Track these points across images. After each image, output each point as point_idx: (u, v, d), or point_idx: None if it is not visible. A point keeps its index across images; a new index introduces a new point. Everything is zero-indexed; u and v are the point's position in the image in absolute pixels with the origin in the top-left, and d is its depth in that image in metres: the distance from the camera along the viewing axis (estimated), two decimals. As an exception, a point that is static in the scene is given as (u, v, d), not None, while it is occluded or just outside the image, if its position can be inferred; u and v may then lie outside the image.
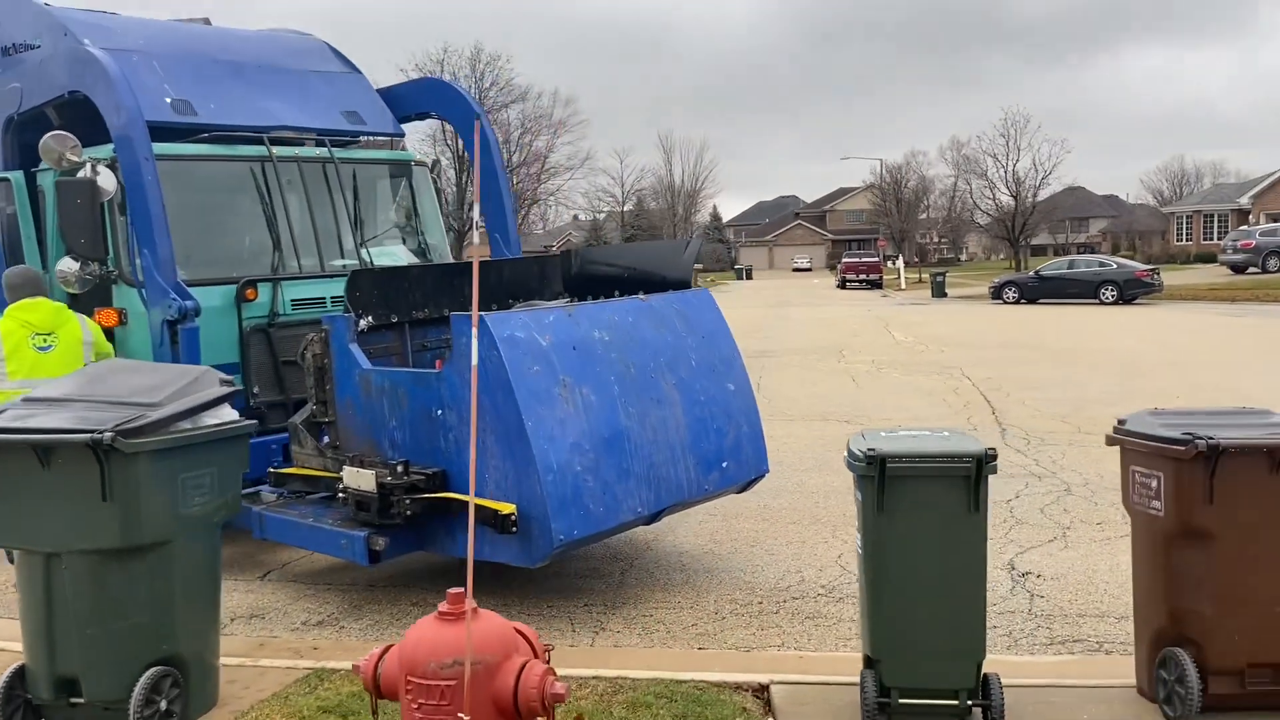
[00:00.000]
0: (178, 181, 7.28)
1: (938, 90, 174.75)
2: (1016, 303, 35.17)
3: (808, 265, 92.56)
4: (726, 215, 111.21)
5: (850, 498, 8.12)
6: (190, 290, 6.70)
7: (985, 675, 4.10)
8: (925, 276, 50.48)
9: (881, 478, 4.01)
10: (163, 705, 4.18)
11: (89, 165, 6.79)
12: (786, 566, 6.55)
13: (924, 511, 4.02)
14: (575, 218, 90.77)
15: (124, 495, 4.04)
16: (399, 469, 5.58)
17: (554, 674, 2.45)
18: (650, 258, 7.55)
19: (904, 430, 4.40)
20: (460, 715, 2.30)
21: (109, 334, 7.12)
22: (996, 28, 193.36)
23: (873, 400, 13.07)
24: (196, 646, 4.44)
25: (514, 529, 5.18)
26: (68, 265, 6.92)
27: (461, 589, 2.44)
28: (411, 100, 9.34)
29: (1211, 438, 3.95)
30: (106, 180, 6.82)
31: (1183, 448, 3.98)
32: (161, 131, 7.33)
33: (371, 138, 9.48)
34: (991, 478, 4.03)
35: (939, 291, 42.09)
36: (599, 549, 6.88)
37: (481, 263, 8.52)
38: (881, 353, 18.69)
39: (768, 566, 6.57)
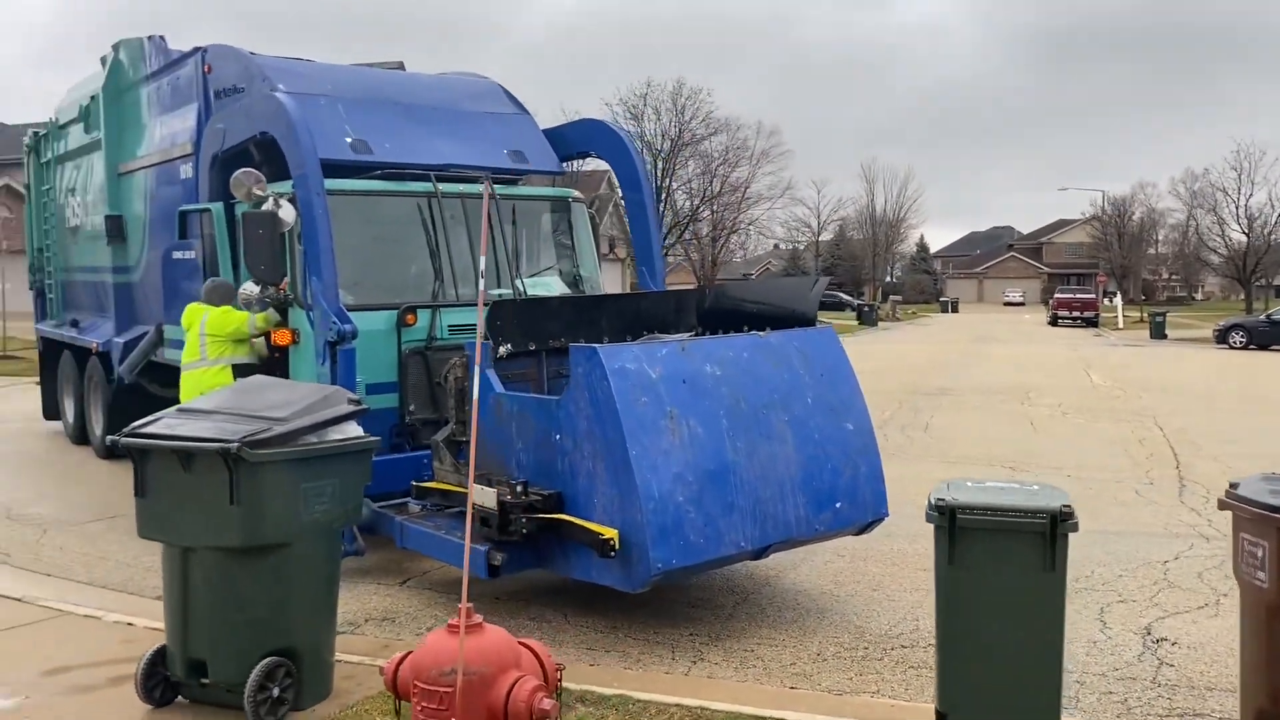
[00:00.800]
0: (352, 215, 7.96)
1: (1171, 117, 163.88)
2: (1244, 348, 32.54)
3: (1020, 299, 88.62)
4: (935, 245, 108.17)
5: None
6: (356, 314, 7.30)
7: (1059, 738, 3.95)
8: (1146, 316, 47.42)
9: (952, 528, 3.95)
10: (275, 692, 4.61)
11: (272, 199, 7.53)
12: (904, 614, 6.43)
13: (996, 567, 3.93)
14: (775, 246, 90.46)
15: (249, 500, 4.50)
16: (518, 489, 5.88)
17: (545, 691, 2.62)
18: (779, 294, 7.60)
19: (992, 482, 4.31)
20: (451, 721, 2.50)
21: (284, 352, 7.86)
22: (1240, 50, 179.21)
23: (1046, 447, 12.49)
24: (311, 641, 4.85)
25: (612, 553, 5.37)
26: (249, 289, 7.71)
27: (470, 605, 2.64)
28: (574, 140, 9.80)
29: (1316, 507, 3.68)
30: (287, 213, 7.54)
31: (1283, 516, 3.73)
32: (340, 169, 8.04)
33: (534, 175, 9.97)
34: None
35: (1158, 333, 39.49)
36: (716, 580, 6.97)
37: (620, 296, 8.86)
38: (1071, 396, 17.77)
39: (884, 612, 6.47)
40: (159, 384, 10.82)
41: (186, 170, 9.65)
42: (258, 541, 4.56)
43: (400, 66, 11.20)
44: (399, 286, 8.12)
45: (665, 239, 48.74)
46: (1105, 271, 71.40)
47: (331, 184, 7.61)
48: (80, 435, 12.93)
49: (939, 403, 16.49)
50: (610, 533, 5.43)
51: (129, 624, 6.07)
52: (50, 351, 13.91)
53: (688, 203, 48.46)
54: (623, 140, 9.49)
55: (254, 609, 4.61)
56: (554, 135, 9.77)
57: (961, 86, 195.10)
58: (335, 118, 8.38)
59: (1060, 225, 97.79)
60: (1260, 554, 3.91)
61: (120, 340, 11.04)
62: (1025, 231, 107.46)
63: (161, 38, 10.70)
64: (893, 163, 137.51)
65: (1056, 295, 55.83)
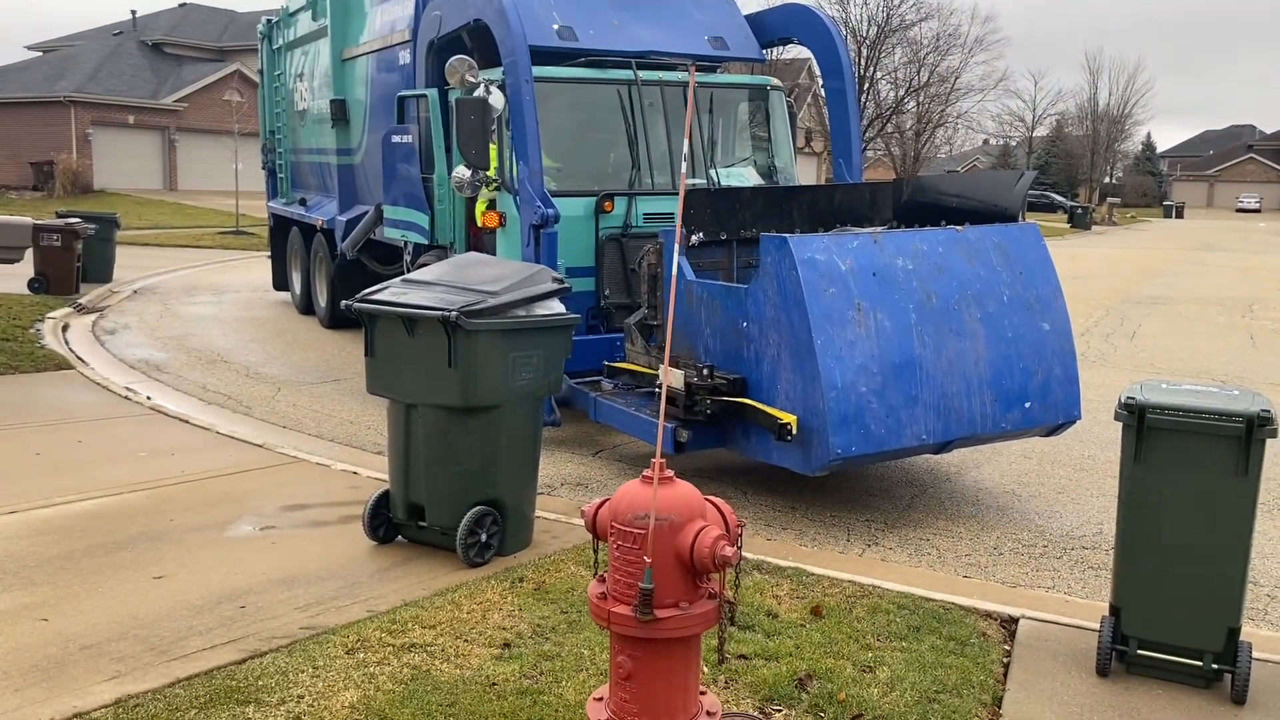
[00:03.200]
0: (555, 102, 8.24)
1: None
2: None
3: (1256, 206, 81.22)
4: (1163, 144, 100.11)
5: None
6: (556, 200, 7.63)
7: (1239, 643, 3.94)
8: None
9: (1140, 427, 3.93)
10: (483, 537, 5.12)
11: (483, 85, 7.87)
12: (1087, 517, 6.38)
13: (1184, 468, 3.90)
14: (985, 142, 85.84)
15: (465, 364, 4.93)
16: (705, 372, 6.14)
17: (728, 539, 2.87)
18: (981, 189, 7.41)
19: (1189, 384, 4.23)
20: (645, 558, 2.81)
21: (490, 234, 8.31)
22: None
23: (1267, 362, 11.73)
24: (515, 496, 5.33)
25: (790, 438, 5.57)
26: (461, 172, 8.13)
27: (663, 460, 2.91)
28: (776, 26, 9.65)
29: None
30: (497, 99, 7.87)
31: None
32: (547, 55, 8.29)
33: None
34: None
35: None
36: (894, 472, 7.09)
37: (813, 188, 8.82)
38: (1301, 311, 16.49)
39: (1067, 514, 6.44)
40: (378, 261, 11.64)
41: (404, 56, 10.14)
42: (472, 402, 5.01)
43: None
44: (598, 174, 8.40)
45: (865, 132, 47.22)
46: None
47: (539, 71, 7.88)
48: (306, 306, 14.08)
49: (1149, 311, 15.64)
50: (789, 418, 5.62)
51: (354, 472, 6.77)
52: (280, 228, 15.08)
53: (892, 93, 46.49)
54: (826, 25, 9.30)
55: (467, 462, 5.10)
56: (755, 21, 9.67)
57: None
58: (544, 4, 8.58)
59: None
60: None
61: (343, 218, 11.86)
62: (1269, 131, 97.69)
63: (381, -72, 11.14)
64: (1120, 53, 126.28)
65: (1298, 202, 50.84)
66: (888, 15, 44.44)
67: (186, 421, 8.07)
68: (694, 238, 6.99)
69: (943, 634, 4.42)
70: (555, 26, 8.49)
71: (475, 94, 7.80)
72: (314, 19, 12.66)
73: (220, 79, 41.60)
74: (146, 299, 15.67)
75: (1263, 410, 3.75)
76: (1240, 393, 4.03)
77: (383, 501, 5.40)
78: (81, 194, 36.17)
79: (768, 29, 9.58)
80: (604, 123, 8.63)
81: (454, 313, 4.83)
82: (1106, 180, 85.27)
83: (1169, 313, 15.94)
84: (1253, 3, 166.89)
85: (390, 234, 10.27)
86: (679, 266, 6.70)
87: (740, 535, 3.07)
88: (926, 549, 5.78)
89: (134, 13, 47.44)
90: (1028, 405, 6.14)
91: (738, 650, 4.07)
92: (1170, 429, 3.90)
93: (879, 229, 7.10)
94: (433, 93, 9.14)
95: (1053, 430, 6.45)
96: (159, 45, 44.82)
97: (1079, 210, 51.87)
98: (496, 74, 7.97)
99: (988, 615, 4.70)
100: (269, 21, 14.72)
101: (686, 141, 3.20)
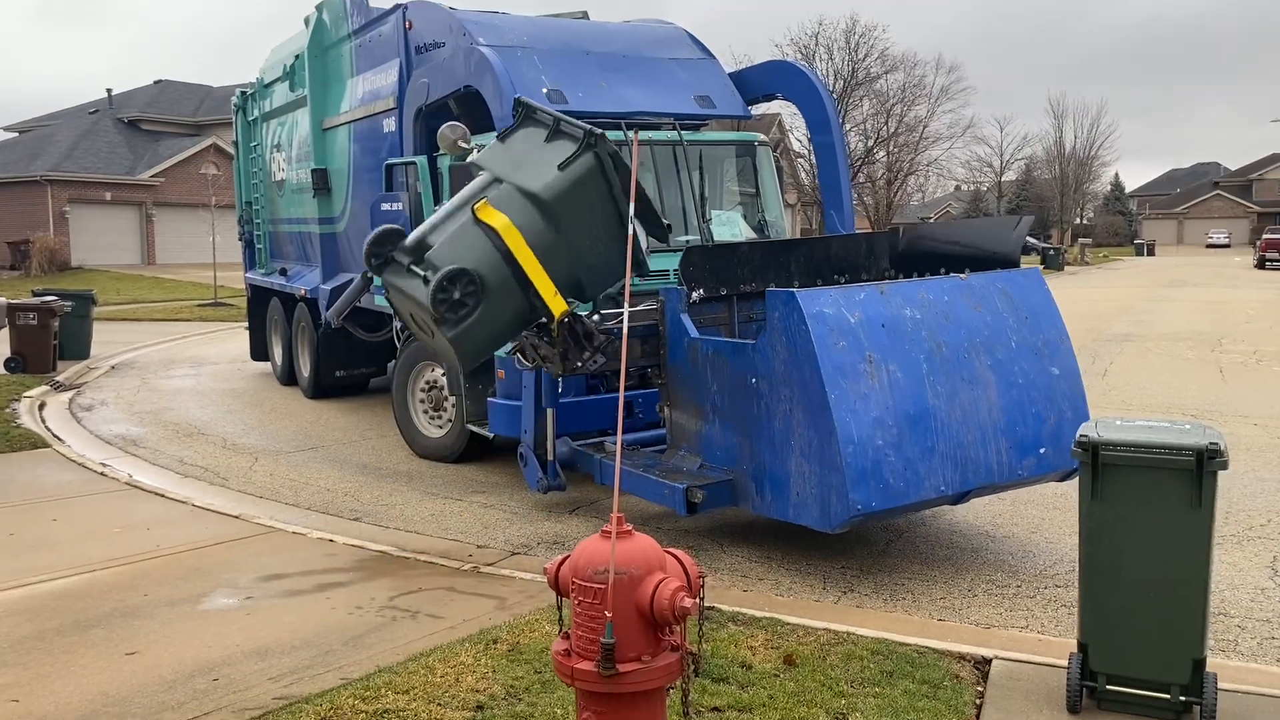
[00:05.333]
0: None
1: None
2: None
3: (1225, 241, 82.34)
4: (1132, 184, 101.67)
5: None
6: None
7: (1204, 674, 3.98)
8: (1369, 257, 43.43)
9: (1095, 464, 4.01)
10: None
11: (476, 151, 7.98)
12: (1060, 555, 6.43)
13: (1140, 503, 3.97)
14: (957, 188, 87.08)
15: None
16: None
17: (687, 591, 2.91)
18: (979, 236, 7.47)
19: (1142, 420, 4.31)
20: (606, 613, 2.85)
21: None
22: None
23: (1233, 396, 11.88)
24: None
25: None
26: None
27: (621, 514, 2.97)
28: (759, 83, 9.76)
29: None
30: None
31: None
32: (539, 119, 8.38)
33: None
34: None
35: (1382, 275, 36.19)
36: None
37: (810, 240, 8.88)
38: (1271, 343, 16.69)
39: (1040, 553, 6.49)
40: (364, 329, 11.64)
41: (389, 124, 10.24)
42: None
43: (584, 15, 11.46)
44: None
45: (838, 183, 47.59)
46: (1324, 209, 65.64)
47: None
48: (289, 376, 14.03)
49: (1121, 349, 15.84)
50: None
51: (330, 540, 6.77)
52: (258, 298, 15.11)
53: (861, 144, 47.24)
54: (812, 81, 9.35)
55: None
56: (739, 78, 9.78)
57: (1173, 19, 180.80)
58: (532, 69, 8.68)
59: (1273, 160, 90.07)
60: None
61: (326, 287, 11.85)
62: (1233, 168, 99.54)
63: (362, -3, 11.33)
64: (1083, 98, 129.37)
65: (1265, 235, 51.72)
66: (853, 69, 45.35)
67: (162, 495, 8.06)
68: (694, 294, 7.02)
69: (916, 678, 4.44)
70: (545, 90, 8.56)
71: (469, 160, 7.88)
72: (291, 89, 12.81)
73: (196, 153, 41.89)
74: (124, 374, 15.65)
75: (1211, 443, 3.83)
76: (1191, 426, 4.12)
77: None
78: (59, 271, 36.21)
79: (752, 86, 9.70)
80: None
81: None
82: (1079, 221, 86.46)
83: (1140, 349, 16.14)
84: (1213, 48, 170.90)
85: (382, 301, 10.32)
86: (681, 323, 6.66)
87: (702, 585, 3.11)
88: (901, 593, 5.81)
89: (110, 91, 47.95)
90: (1042, 451, 6.09)
91: (711, 703, 4.09)
92: (1125, 465, 3.98)
93: (883, 281, 7.11)
94: (422, 160, 9.23)
95: (1067, 475, 6.30)
96: (135, 122, 45.20)
97: (1050, 252, 52.52)
98: (489, 139, 8.08)
99: (961, 657, 4.73)
100: (243, 93, 14.91)
101: (633, 205, 3.29)
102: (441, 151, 8.35)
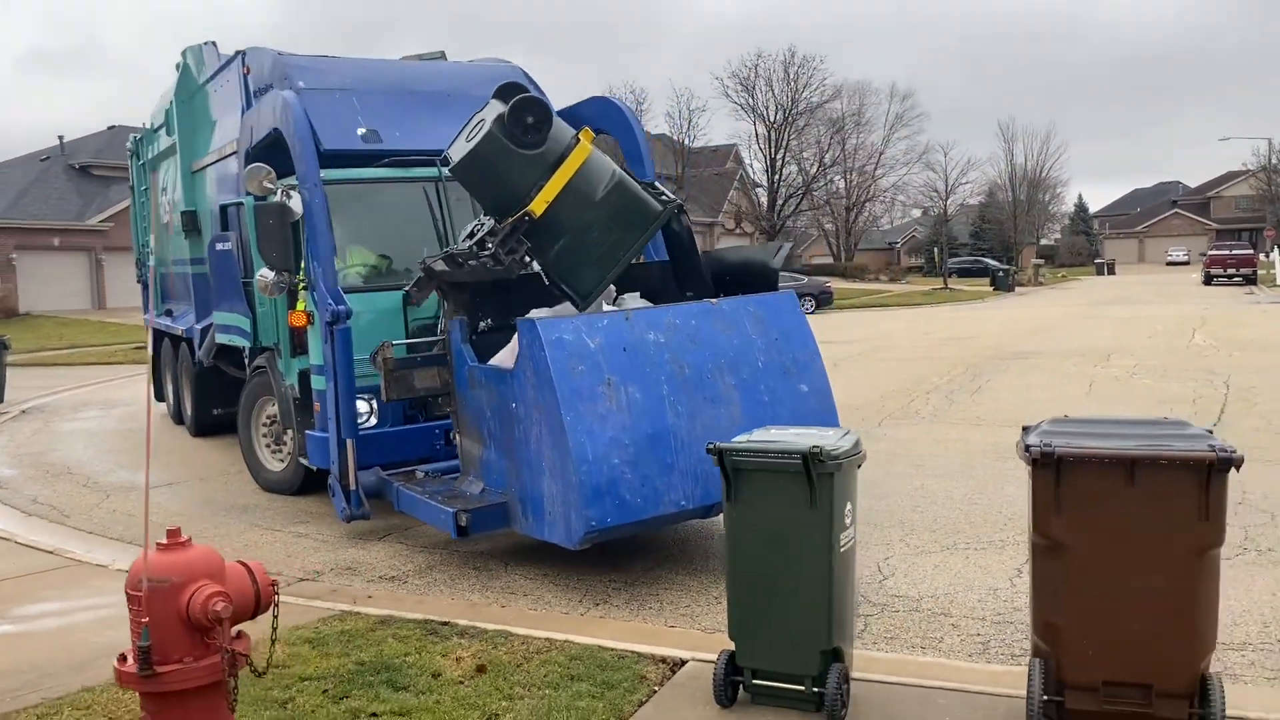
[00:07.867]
0: (360, 202, 8.60)
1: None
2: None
3: (1184, 259, 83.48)
4: (1095, 205, 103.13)
5: (945, 501, 7.99)
6: (366, 295, 7.89)
7: (829, 665, 4.22)
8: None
9: (725, 469, 4.27)
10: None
11: (281, 191, 8.24)
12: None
13: (767, 505, 4.22)
14: (924, 212, 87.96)
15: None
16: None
17: (223, 597, 3.13)
18: (745, 262, 7.80)
19: (777, 429, 4.57)
20: (143, 620, 3.07)
21: (301, 333, 8.59)
22: None
23: (1088, 408, 12.16)
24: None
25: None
26: (265, 274, 8.42)
27: (178, 527, 3.20)
28: (587, 118, 10.07)
29: (1050, 445, 3.84)
30: (296, 203, 8.21)
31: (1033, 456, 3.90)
32: (353, 159, 8.69)
33: None
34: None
35: (1316, 288, 36.84)
36: (667, 535, 7.35)
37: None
38: (1154, 358, 17.03)
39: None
40: (235, 365, 11.84)
41: (234, 165, 10.55)
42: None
43: (441, 56, 11.78)
44: (408, 268, 8.73)
45: (782, 209, 48.43)
46: (1273, 225, 66.78)
47: (339, 174, 8.25)
48: (179, 416, 14.17)
49: (1008, 367, 16.14)
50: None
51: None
52: (157, 340, 15.30)
53: (800, 175, 47.92)
54: (627, 117, 9.72)
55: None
56: (569, 114, 10.08)
57: (1154, 38, 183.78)
58: (349, 110, 9.00)
59: (1229, 178, 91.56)
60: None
61: (199, 326, 12.05)
62: (1194, 186, 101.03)
63: (213, 43, 11.67)
64: (1034, 122, 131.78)
65: (1210, 252, 52.58)
66: (793, 99, 46.05)
67: (-9, 533, 8.22)
68: (482, 324, 7.27)
69: (598, 680, 4.65)
70: (360, 131, 8.90)
71: (273, 199, 8.13)
72: (168, 134, 13.08)
73: (147, 197, 42.08)
74: (31, 418, 15.76)
75: (813, 446, 4.09)
76: (818, 432, 4.39)
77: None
78: (5, 319, 36.27)
79: (583, 121, 9.99)
80: (410, 219, 8.98)
81: None
82: (1043, 242, 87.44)
83: (1026, 366, 16.46)
84: (1183, 67, 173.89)
85: (220, 339, 10.54)
86: (463, 352, 6.92)
87: (276, 591, 3.34)
88: (652, 603, 6.01)
89: (61, 138, 48.17)
90: None
91: (369, 709, 4.29)
92: (751, 469, 4.23)
93: (642, 304, 7.46)
94: (249, 200, 9.44)
95: None
96: (87, 168, 45.40)
97: (1000, 274, 53.20)
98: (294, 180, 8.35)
99: (661, 660, 4.94)
100: (135, 139, 15.16)
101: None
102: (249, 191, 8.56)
